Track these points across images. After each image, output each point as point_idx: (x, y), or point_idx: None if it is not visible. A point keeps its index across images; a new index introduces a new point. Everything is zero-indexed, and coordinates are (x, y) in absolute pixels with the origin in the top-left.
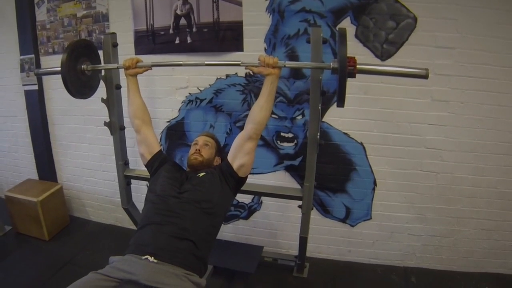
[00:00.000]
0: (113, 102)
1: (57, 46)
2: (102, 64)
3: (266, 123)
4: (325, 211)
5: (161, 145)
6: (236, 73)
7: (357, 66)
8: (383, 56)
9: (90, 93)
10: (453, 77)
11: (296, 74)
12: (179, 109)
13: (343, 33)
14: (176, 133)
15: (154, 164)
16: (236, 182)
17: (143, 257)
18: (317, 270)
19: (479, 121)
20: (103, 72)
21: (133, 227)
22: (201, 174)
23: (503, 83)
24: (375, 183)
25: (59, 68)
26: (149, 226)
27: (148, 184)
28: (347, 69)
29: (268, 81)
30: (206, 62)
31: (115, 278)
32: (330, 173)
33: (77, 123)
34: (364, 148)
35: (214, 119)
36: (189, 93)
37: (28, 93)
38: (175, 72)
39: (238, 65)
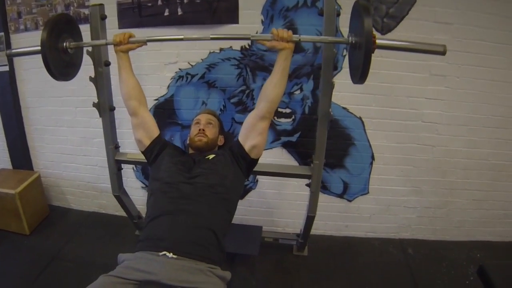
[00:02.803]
0: (102, 81)
1: (30, 23)
2: (86, 40)
3: (279, 101)
4: (323, 187)
5: (159, 130)
6: (230, 47)
7: (377, 41)
8: (383, 30)
9: (74, 73)
10: (450, 52)
11: (295, 46)
12: (168, 86)
13: (365, 6)
14: (165, 112)
15: (154, 150)
16: (248, 164)
17: (161, 253)
18: (316, 247)
19: (473, 95)
20: (90, 49)
21: (119, 213)
22: (210, 157)
23: (497, 59)
24: (373, 158)
25: (39, 48)
26: (162, 217)
27: (148, 172)
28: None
29: (281, 56)
30: (211, 36)
31: (132, 280)
32: (328, 148)
33: (54, 105)
34: (362, 122)
35: (206, 96)
36: (179, 69)
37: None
38: (164, 46)
39: (248, 39)
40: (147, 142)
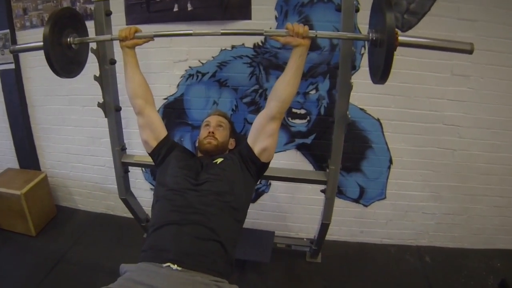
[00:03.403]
0: (107, 80)
1: (35, 19)
2: (91, 36)
3: (291, 101)
4: (338, 191)
5: (167, 131)
6: (243, 44)
7: (399, 38)
8: (404, 26)
9: (78, 70)
10: (474, 51)
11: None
12: (178, 85)
13: (387, 0)
14: (174, 111)
15: (161, 151)
16: (258, 168)
17: (164, 265)
18: (330, 254)
19: (498, 97)
20: (95, 46)
21: (127, 215)
22: (218, 161)
23: None
24: (391, 161)
25: (41, 43)
26: (167, 227)
27: (155, 175)
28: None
29: (296, 53)
30: (221, 31)
31: None
32: (344, 151)
33: (61, 104)
34: (381, 124)
35: (217, 95)
36: (189, 67)
37: (3, 73)
38: (173, 43)
39: (261, 34)
40: (153, 144)
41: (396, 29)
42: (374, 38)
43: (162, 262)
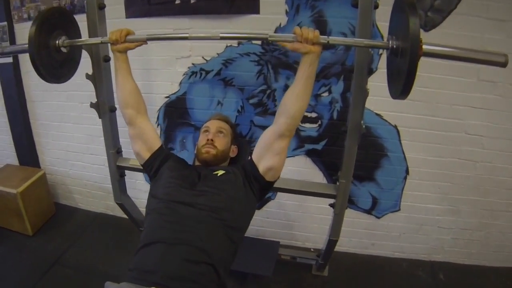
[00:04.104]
0: (100, 78)
1: (33, 11)
2: (83, 37)
3: (302, 116)
4: (349, 201)
5: (162, 141)
6: (250, 40)
7: (423, 47)
8: (427, 25)
9: (69, 75)
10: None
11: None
12: (180, 83)
13: (410, 2)
14: (176, 111)
15: (155, 163)
16: (262, 187)
17: None
18: (337, 267)
19: None
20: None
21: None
22: (219, 173)
23: None
24: (407, 172)
25: (26, 46)
26: (155, 246)
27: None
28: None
29: (306, 61)
30: (221, 35)
31: None
32: (357, 159)
33: (59, 100)
34: (398, 131)
35: (222, 95)
36: (193, 64)
37: (1, 67)
38: None
39: (265, 39)
40: (146, 155)
41: (420, 37)
42: (394, 47)
43: (147, 286)
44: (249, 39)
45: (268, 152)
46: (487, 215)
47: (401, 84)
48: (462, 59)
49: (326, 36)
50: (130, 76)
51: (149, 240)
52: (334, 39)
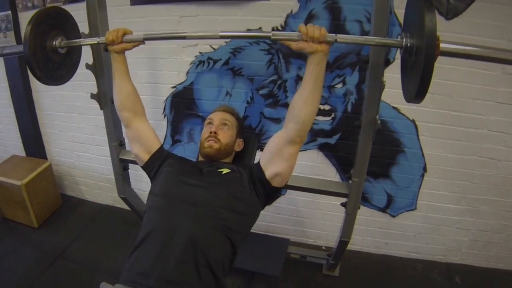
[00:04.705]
0: (101, 68)
1: (37, 0)
2: (83, 29)
3: (312, 120)
4: (363, 198)
5: (161, 142)
6: (260, 28)
7: (441, 46)
8: (449, 14)
9: (68, 76)
10: None
11: (337, 29)
12: (187, 72)
13: None
14: (183, 101)
15: (155, 164)
16: (268, 192)
17: None
18: (349, 266)
19: None
20: (86, 31)
21: None
22: (224, 171)
23: None
24: (425, 169)
25: (21, 48)
26: (150, 246)
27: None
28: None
29: (313, 61)
30: (221, 34)
31: None
32: (372, 155)
33: (64, 90)
34: (416, 126)
35: (231, 85)
36: (200, 52)
37: (6, 57)
38: (182, 25)
39: (268, 38)
40: (145, 157)
41: (438, 34)
42: (408, 45)
43: None
44: (251, 38)
45: (277, 158)
46: (508, 216)
47: (415, 87)
48: (484, 59)
49: (333, 34)
50: (127, 78)
51: (144, 239)
52: (342, 37)
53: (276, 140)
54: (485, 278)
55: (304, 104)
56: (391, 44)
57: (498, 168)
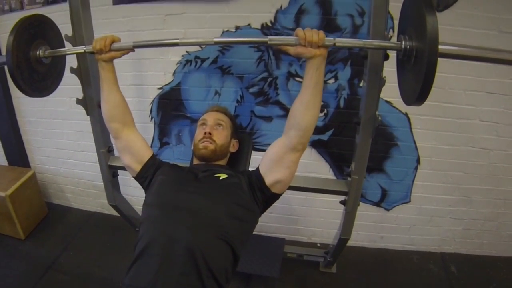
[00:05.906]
0: (87, 72)
1: (14, 2)
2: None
3: (314, 126)
4: None
5: (152, 151)
6: (249, 24)
7: (439, 48)
8: (439, 5)
9: (53, 86)
10: None
11: (328, 24)
12: (174, 72)
13: None
14: (170, 103)
15: (148, 174)
16: (267, 198)
17: None
18: (345, 262)
19: None
20: (70, 33)
21: None
22: (221, 176)
23: None
24: (418, 161)
25: (4, 59)
26: (149, 259)
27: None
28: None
29: (312, 66)
30: (215, 39)
31: None
32: None
33: None
34: (409, 119)
35: (220, 84)
36: (187, 52)
37: None
38: (167, 24)
39: (265, 43)
40: (137, 168)
41: None
42: (408, 48)
43: None
44: (247, 43)
45: (278, 165)
46: (500, 204)
47: (416, 91)
48: (484, 60)
49: (332, 38)
50: (116, 87)
51: (143, 252)
52: (341, 40)
53: (277, 147)
54: (479, 265)
55: (305, 110)
56: (389, 47)
57: (490, 158)
